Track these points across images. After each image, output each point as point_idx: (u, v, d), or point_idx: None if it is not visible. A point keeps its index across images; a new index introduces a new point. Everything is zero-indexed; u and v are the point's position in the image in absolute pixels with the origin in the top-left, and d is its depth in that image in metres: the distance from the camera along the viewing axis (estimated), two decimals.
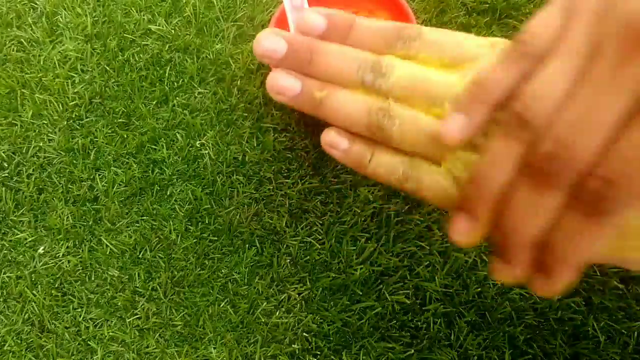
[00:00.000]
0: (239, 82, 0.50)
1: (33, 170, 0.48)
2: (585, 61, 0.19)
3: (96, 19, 0.54)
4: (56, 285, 0.45)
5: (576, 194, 0.19)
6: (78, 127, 0.50)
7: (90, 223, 0.47)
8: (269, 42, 0.25)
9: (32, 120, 0.50)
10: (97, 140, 0.49)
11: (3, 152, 0.49)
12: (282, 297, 0.44)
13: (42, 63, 0.52)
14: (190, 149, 0.48)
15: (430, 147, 0.24)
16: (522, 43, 0.21)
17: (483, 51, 0.24)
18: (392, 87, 0.25)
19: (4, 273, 0.46)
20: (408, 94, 0.24)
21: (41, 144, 0.49)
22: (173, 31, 0.52)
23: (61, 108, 0.50)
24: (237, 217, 0.46)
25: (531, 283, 0.22)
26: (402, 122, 0.24)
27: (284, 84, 0.26)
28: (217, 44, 0.52)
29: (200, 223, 0.46)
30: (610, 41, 0.18)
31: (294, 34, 0.26)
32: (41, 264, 0.46)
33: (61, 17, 0.54)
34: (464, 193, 0.22)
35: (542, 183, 0.19)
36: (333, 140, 0.26)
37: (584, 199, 0.19)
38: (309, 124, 0.48)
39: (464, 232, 0.22)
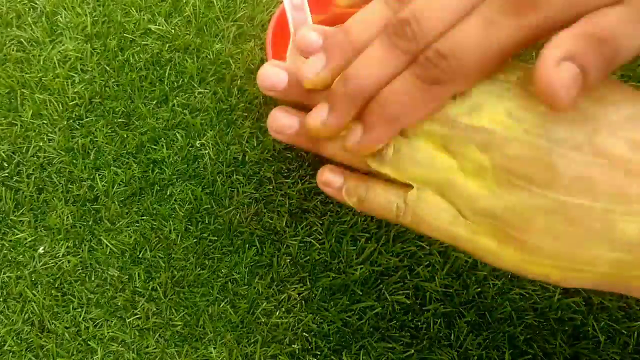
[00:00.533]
0: (239, 82, 0.50)
1: (33, 170, 0.48)
2: None
3: (96, 18, 0.54)
4: (56, 285, 0.45)
5: (416, 59, 0.22)
6: (78, 127, 0.50)
7: (90, 223, 0.47)
8: (269, 74, 0.27)
9: (32, 120, 0.50)
10: (97, 140, 0.49)
11: (3, 152, 0.49)
12: (282, 297, 0.44)
13: (42, 63, 0.52)
14: (190, 148, 0.48)
15: (427, 177, 0.25)
16: None
17: None
18: None
19: (4, 273, 0.46)
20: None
21: (41, 144, 0.49)
22: (173, 31, 0.52)
23: (61, 108, 0.50)
24: (237, 217, 0.46)
25: (346, 135, 0.24)
26: (397, 151, 0.25)
27: (283, 123, 0.27)
28: (217, 44, 0.52)
29: (200, 223, 0.46)
30: None
31: (294, 64, 0.27)
32: (41, 264, 0.46)
33: (61, 17, 0.54)
34: (329, 40, 0.25)
35: (392, 42, 0.22)
36: (328, 179, 0.27)
37: (421, 64, 0.22)
38: None
39: (317, 67, 0.24)
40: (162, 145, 0.48)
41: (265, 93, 0.27)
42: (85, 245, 0.46)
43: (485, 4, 0.21)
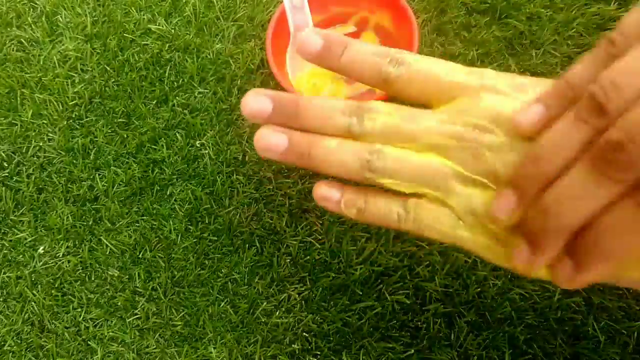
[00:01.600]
0: (239, 81, 0.50)
1: (33, 170, 0.48)
2: None
3: (96, 18, 0.54)
4: (56, 285, 0.45)
5: (635, 187, 0.18)
6: (78, 126, 0.50)
7: (90, 223, 0.47)
8: (255, 103, 0.26)
9: (32, 120, 0.50)
10: (97, 140, 0.49)
11: (3, 152, 0.49)
12: (282, 297, 0.44)
13: (42, 63, 0.52)
14: (190, 148, 0.48)
15: (425, 184, 0.24)
16: (610, 40, 0.20)
17: (470, 81, 0.24)
18: (376, 128, 0.25)
19: (4, 273, 0.46)
20: (395, 134, 0.25)
21: (41, 144, 0.49)
22: (173, 31, 0.52)
23: (61, 108, 0.50)
24: (237, 217, 0.46)
25: (555, 272, 0.21)
26: (393, 161, 0.25)
27: (270, 142, 0.26)
28: (217, 44, 0.52)
29: (200, 223, 0.46)
30: None
31: (278, 92, 0.27)
32: (41, 263, 0.46)
33: (61, 16, 0.54)
34: (518, 168, 0.22)
35: (602, 171, 0.18)
36: (325, 194, 0.27)
37: None
38: None
39: (506, 208, 0.22)
40: (162, 145, 0.48)
41: (251, 121, 0.27)
42: (85, 245, 0.46)
43: None
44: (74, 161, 0.48)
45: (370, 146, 0.25)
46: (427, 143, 0.24)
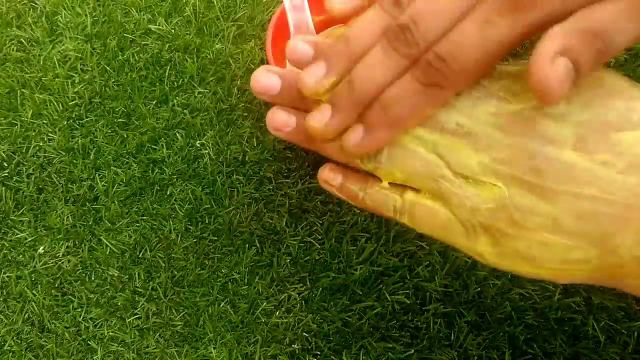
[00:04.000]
0: (239, 82, 0.50)
1: (33, 170, 0.48)
2: None
3: (96, 18, 0.54)
4: (56, 285, 0.45)
5: (417, 63, 0.23)
6: (78, 126, 0.50)
7: (90, 223, 0.47)
8: (263, 80, 0.28)
9: (32, 120, 0.50)
10: (97, 140, 0.49)
11: (3, 152, 0.49)
12: (282, 297, 0.44)
13: (42, 63, 0.52)
14: (190, 148, 0.48)
15: (420, 180, 0.25)
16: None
17: None
18: None
19: (4, 273, 0.46)
20: None
21: (41, 144, 0.49)
22: (173, 31, 0.52)
23: (61, 108, 0.50)
24: (237, 217, 0.46)
25: (346, 135, 0.25)
26: (389, 154, 0.26)
27: (280, 121, 0.28)
28: (217, 44, 0.52)
29: (200, 223, 0.46)
30: None
31: (287, 70, 0.28)
32: (41, 263, 0.46)
33: (61, 16, 0.54)
34: (330, 46, 0.25)
35: (393, 47, 0.23)
36: (328, 177, 0.28)
37: (421, 68, 0.22)
38: None
39: (315, 74, 0.25)
40: (162, 145, 0.48)
41: (258, 97, 0.27)
42: (85, 245, 0.46)
43: (481, 5, 0.21)
44: (74, 161, 0.48)
45: None
46: (426, 138, 0.25)
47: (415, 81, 0.23)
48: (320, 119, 0.25)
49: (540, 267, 0.23)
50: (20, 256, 0.46)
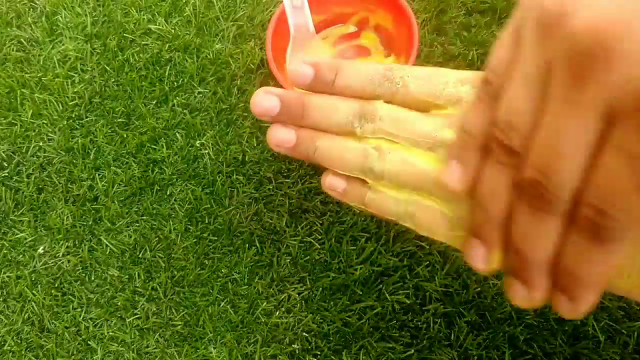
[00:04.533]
0: (238, 81, 0.50)
1: (33, 170, 0.48)
2: (539, 85, 0.19)
3: (96, 18, 0.54)
4: (56, 285, 0.45)
5: (574, 220, 0.19)
6: (78, 126, 0.50)
7: (90, 223, 0.47)
8: (262, 101, 0.27)
9: (32, 120, 0.50)
10: (97, 140, 0.49)
11: (3, 152, 0.49)
12: (282, 297, 0.44)
13: (42, 63, 0.52)
14: (190, 148, 0.48)
15: (420, 185, 0.25)
16: (485, 80, 0.21)
17: (465, 91, 0.25)
18: (378, 130, 0.26)
19: (4, 273, 0.46)
20: (394, 137, 0.26)
21: (41, 144, 0.49)
22: (173, 31, 0.52)
23: (61, 108, 0.50)
24: (237, 217, 0.46)
25: (555, 305, 0.22)
26: (392, 164, 0.26)
27: (281, 137, 0.28)
28: (217, 44, 0.52)
29: (200, 223, 0.46)
30: (558, 62, 0.18)
31: (286, 91, 0.28)
32: (41, 263, 0.46)
33: (61, 16, 0.54)
34: (473, 219, 0.23)
35: (537, 207, 0.19)
36: (331, 183, 0.28)
37: (582, 226, 0.19)
38: None
39: (480, 258, 0.23)
40: (162, 145, 0.48)
41: (259, 118, 0.28)
42: (85, 245, 0.46)
43: (616, 136, 0.17)
44: (74, 161, 0.48)
45: (370, 149, 0.26)
46: (425, 147, 0.25)
47: (587, 241, 0.19)
48: (522, 295, 0.22)
49: None
50: (20, 256, 0.46)
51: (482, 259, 0.22)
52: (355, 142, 0.27)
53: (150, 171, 0.48)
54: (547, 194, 0.19)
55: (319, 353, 0.42)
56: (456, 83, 0.25)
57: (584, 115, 0.17)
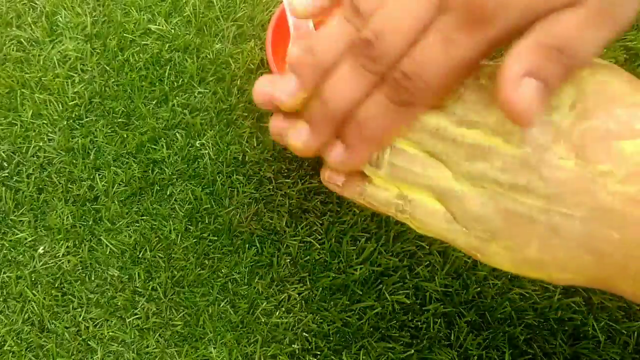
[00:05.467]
0: (239, 81, 0.50)
1: (33, 170, 0.48)
2: None
3: (96, 18, 0.54)
4: (56, 285, 0.45)
5: (385, 80, 0.23)
6: (78, 126, 0.50)
7: (90, 223, 0.47)
8: (267, 90, 0.28)
9: (32, 120, 0.50)
10: (97, 140, 0.49)
11: (3, 152, 0.49)
12: (282, 297, 0.44)
13: (41, 63, 0.52)
14: (190, 148, 0.48)
15: (422, 185, 0.26)
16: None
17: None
18: None
19: (4, 273, 0.46)
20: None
21: (41, 144, 0.49)
22: (173, 31, 0.52)
23: (61, 108, 0.50)
24: (237, 217, 0.46)
25: (327, 152, 0.25)
26: (392, 159, 0.26)
27: (282, 128, 0.28)
28: (217, 44, 0.52)
29: (200, 223, 0.46)
30: None
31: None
32: (41, 263, 0.46)
33: (61, 16, 0.54)
34: (297, 57, 0.25)
35: (360, 62, 0.23)
36: (331, 176, 0.29)
37: (390, 86, 0.22)
38: None
39: (288, 90, 0.25)
40: (162, 145, 0.48)
41: (260, 107, 0.28)
42: (85, 245, 0.46)
43: (441, 21, 0.21)
44: (74, 161, 0.48)
45: None
46: (426, 143, 0.25)
47: (387, 99, 0.23)
48: (299, 137, 0.26)
49: (537, 272, 0.23)
50: (20, 256, 0.46)
51: (290, 91, 0.25)
52: None
53: (150, 171, 0.48)
54: (373, 53, 0.22)
55: (319, 353, 0.42)
56: None
57: (422, 2, 0.21)
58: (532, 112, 0.20)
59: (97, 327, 0.44)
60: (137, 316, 0.44)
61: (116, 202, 0.47)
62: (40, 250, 0.46)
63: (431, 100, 0.23)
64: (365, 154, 0.25)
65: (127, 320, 0.44)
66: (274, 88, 0.26)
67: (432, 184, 0.24)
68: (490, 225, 0.23)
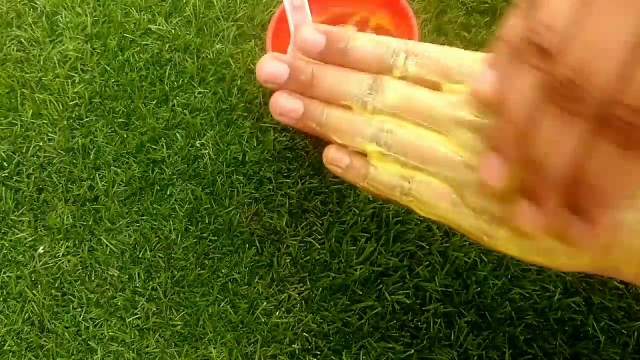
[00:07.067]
0: (239, 81, 0.50)
1: (33, 169, 0.48)
2: None
3: (96, 18, 0.54)
4: (56, 285, 0.45)
5: (605, 123, 0.18)
6: (78, 126, 0.50)
7: (90, 223, 0.47)
8: (271, 67, 0.26)
9: (32, 120, 0.50)
10: (97, 140, 0.49)
11: (3, 152, 0.49)
12: (282, 297, 0.44)
13: (42, 63, 0.52)
14: (190, 148, 0.48)
15: (427, 160, 0.25)
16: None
17: (479, 69, 0.24)
18: (389, 105, 0.25)
19: (4, 273, 0.46)
20: (405, 112, 0.25)
21: (41, 144, 0.49)
22: (173, 31, 0.52)
23: (61, 108, 0.50)
24: (237, 217, 0.46)
25: (565, 232, 0.21)
26: (401, 139, 0.25)
27: (286, 106, 0.26)
28: (217, 44, 0.52)
29: (200, 223, 0.46)
30: None
31: (295, 57, 0.27)
32: (41, 263, 0.46)
33: (61, 16, 0.54)
34: (493, 131, 0.22)
35: (567, 109, 0.18)
36: (335, 157, 0.27)
37: (615, 129, 0.17)
38: None
39: (494, 171, 0.21)
40: (162, 145, 0.48)
41: (264, 85, 0.27)
42: (85, 245, 0.46)
43: None
44: (74, 161, 0.48)
45: (381, 122, 0.26)
46: (434, 124, 0.25)
47: (615, 147, 0.18)
48: (529, 220, 0.21)
49: (540, 254, 0.23)
50: (20, 256, 0.46)
51: (496, 172, 0.21)
52: (365, 117, 0.26)
53: (150, 171, 0.48)
54: (581, 93, 0.17)
55: (319, 353, 0.42)
56: (472, 63, 0.25)
57: (626, 13, 0.16)
58: None
59: (97, 327, 0.44)
60: (137, 316, 0.44)
61: (116, 202, 0.47)
62: (40, 250, 0.46)
63: None
64: (603, 219, 0.20)
65: (127, 320, 0.44)
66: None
67: (440, 163, 0.24)
68: (502, 208, 0.23)
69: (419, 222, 0.44)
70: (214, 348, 0.43)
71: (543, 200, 0.20)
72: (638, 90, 0.17)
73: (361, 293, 0.43)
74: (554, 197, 0.20)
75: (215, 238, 0.45)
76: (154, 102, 0.50)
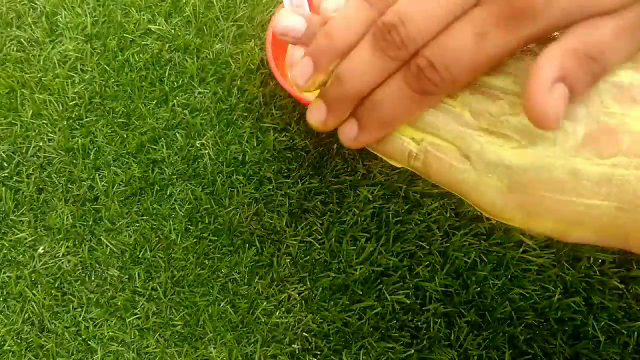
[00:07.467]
0: (238, 82, 0.50)
1: (33, 170, 0.48)
2: None
3: (96, 19, 0.54)
4: (56, 285, 0.45)
5: (406, 67, 0.22)
6: (78, 126, 0.50)
7: (90, 223, 0.47)
8: (288, 20, 0.27)
9: (32, 120, 0.50)
10: (97, 140, 0.49)
11: (3, 152, 0.49)
12: (282, 297, 0.44)
13: (42, 63, 0.52)
14: (190, 148, 0.48)
15: (438, 128, 0.26)
16: None
17: None
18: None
19: (4, 273, 0.46)
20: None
21: (41, 144, 0.49)
22: (173, 31, 0.52)
23: (61, 108, 0.50)
24: (237, 217, 0.46)
25: (340, 128, 0.25)
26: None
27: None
28: (217, 44, 0.52)
29: (200, 223, 0.46)
30: None
31: (313, 14, 0.28)
32: (41, 263, 0.46)
33: (61, 17, 0.54)
34: (314, 42, 0.25)
35: (380, 47, 0.22)
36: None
37: (412, 74, 0.22)
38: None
39: (303, 73, 0.25)
40: (162, 145, 0.48)
41: (279, 37, 0.27)
42: (85, 245, 0.46)
43: (478, 14, 0.21)
44: (74, 161, 0.48)
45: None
46: None
47: (406, 86, 0.22)
48: (318, 117, 0.26)
49: (549, 220, 0.23)
50: (20, 256, 0.46)
51: (306, 75, 0.25)
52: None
53: (150, 171, 0.48)
54: (396, 38, 0.21)
55: (319, 353, 0.42)
56: None
57: None
58: (557, 118, 0.20)
59: (97, 327, 0.44)
60: (137, 316, 0.44)
61: (116, 202, 0.47)
62: (40, 250, 0.46)
63: (451, 91, 0.23)
64: (376, 135, 0.25)
65: (127, 320, 0.44)
66: (291, 63, 0.26)
67: (452, 128, 0.24)
68: (508, 172, 0.23)
69: (419, 222, 0.44)
70: (214, 348, 0.43)
71: (335, 105, 0.25)
72: (437, 49, 0.21)
73: (361, 293, 0.43)
74: (345, 107, 0.25)
75: (215, 238, 0.45)
76: (154, 102, 0.50)
